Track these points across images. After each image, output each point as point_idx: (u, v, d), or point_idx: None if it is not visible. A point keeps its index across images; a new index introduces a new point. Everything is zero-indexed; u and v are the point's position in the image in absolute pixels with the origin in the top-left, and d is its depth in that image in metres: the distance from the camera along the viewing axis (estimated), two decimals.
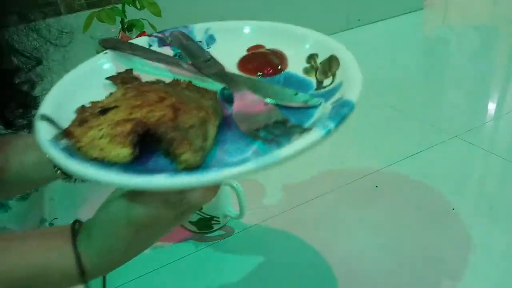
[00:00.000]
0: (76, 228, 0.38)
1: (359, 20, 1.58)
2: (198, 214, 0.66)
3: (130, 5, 0.97)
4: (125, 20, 1.00)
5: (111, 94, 0.39)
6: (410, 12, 1.66)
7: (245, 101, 0.36)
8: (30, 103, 0.52)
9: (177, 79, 0.41)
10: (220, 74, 0.39)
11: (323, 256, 0.63)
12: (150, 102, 0.34)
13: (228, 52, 0.43)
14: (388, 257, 0.61)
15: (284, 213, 0.71)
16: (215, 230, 0.69)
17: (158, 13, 0.97)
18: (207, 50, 0.44)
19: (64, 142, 0.33)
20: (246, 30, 0.46)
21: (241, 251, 0.65)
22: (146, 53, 0.43)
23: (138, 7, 0.97)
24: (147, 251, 0.70)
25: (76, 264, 0.36)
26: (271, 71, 0.41)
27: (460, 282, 0.57)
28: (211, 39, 0.45)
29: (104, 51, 0.43)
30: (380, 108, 1.02)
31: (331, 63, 0.39)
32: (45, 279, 0.37)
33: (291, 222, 0.69)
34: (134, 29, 1.01)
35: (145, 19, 1.00)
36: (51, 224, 0.71)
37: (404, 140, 0.90)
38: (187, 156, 0.31)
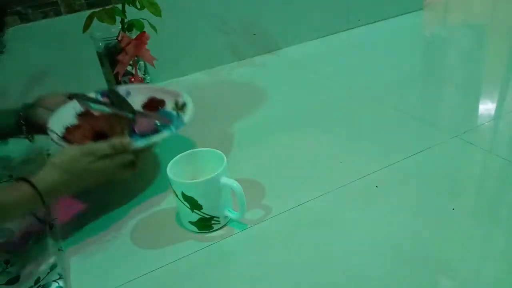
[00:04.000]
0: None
1: (359, 20, 1.58)
2: (198, 214, 0.66)
3: (130, 5, 0.97)
4: (125, 20, 1.00)
5: (78, 122, 0.82)
6: (410, 12, 1.66)
7: (142, 122, 0.78)
8: None
9: (109, 113, 0.82)
10: (131, 110, 0.80)
11: (323, 256, 0.63)
12: (98, 127, 0.79)
13: (136, 100, 0.87)
14: (388, 257, 0.61)
15: (284, 213, 0.71)
16: (215, 230, 0.69)
17: (158, 13, 0.97)
18: (126, 99, 0.85)
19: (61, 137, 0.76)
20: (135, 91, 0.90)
21: (241, 251, 0.65)
22: (94, 101, 0.84)
23: (138, 7, 0.97)
24: (146, 251, 0.70)
25: (31, 187, 0.59)
26: (156, 109, 0.86)
27: (460, 282, 0.57)
28: (128, 93, 0.87)
29: (72, 100, 0.83)
30: (380, 108, 1.03)
31: (184, 105, 0.83)
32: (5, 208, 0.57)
33: (291, 222, 0.69)
34: (134, 29, 1.01)
35: (145, 19, 1.00)
36: (51, 224, 0.71)
37: (404, 140, 0.90)
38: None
